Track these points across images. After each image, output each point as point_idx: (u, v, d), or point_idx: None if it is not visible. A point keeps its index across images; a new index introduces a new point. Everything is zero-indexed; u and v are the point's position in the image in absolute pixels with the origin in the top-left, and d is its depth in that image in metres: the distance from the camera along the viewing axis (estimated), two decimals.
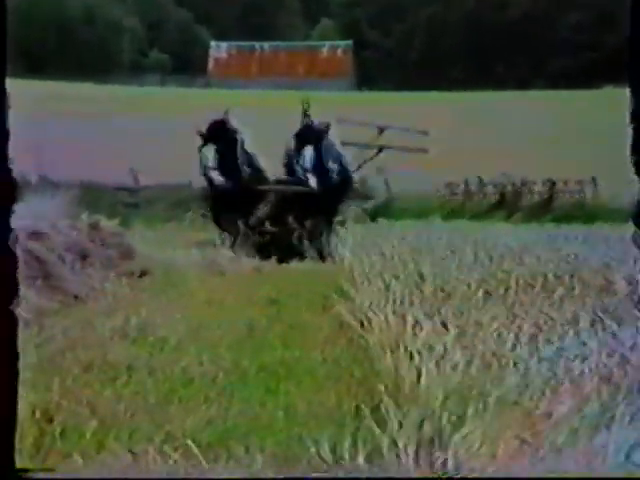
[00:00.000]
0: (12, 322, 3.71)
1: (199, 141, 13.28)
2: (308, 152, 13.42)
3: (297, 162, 13.52)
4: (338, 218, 13.80)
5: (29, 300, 7.16)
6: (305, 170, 13.40)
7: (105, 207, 14.51)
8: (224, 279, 10.12)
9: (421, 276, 7.52)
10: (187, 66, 44.19)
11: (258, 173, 13.64)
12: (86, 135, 22.88)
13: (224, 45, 45.37)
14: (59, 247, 8.88)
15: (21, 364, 3.71)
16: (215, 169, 13.09)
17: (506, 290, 6.91)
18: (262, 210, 13.45)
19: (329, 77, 42.47)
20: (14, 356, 3.70)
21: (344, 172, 14.02)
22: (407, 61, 45.16)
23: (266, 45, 44.92)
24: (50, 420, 4.37)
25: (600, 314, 5.91)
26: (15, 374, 3.69)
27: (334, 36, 46.71)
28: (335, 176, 13.68)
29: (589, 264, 8.23)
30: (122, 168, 18.85)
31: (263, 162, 13.75)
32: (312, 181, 13.32)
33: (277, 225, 13.36)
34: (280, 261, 12.22)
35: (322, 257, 12.78)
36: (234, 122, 13.58)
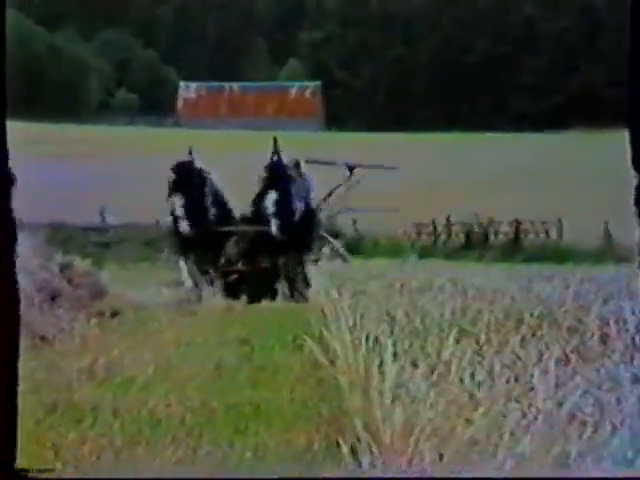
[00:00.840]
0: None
1: (167, 188, 13.25)
2: (271, 197, 13.33)
3: (262, 205, 13.46)
4: (311, 256, 13.80)
5: None
6: (268, 215, 13.33)
7: (77, 247, 14.49)
8: (195, 319, 10.05)
9: (392, 315, 7.51)
10: (155, 106, 44.25)
11: (225, 211, 13.60)
12: (55, 175, 22.76)
13: (193, 85, 45.55)
14: (29, 288, 8.78)
15: None
16: (183, 218, 13.09)
17: (477, 329, 6.91)
18: (230, 250, 13.37)
19: (298, 117, 42.73)
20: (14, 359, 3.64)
21: (309, 207, 13.93)
22: (375, 101, 45.59)
23: (235, 85, 45.16)
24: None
25: (570, 354, 5.93)
26: (15, 376, 3.64)
27: (302, 76, 47.08)
28: (299, 215, 13.58)
29: (559, 304, 8.27)
30: (91, 208, 18.77)
31: (230, 199, 13.71)
32: (274, 227, 13.23)
33: (246, 264, 13.28)
34: (251, 301, 12.17)
35: (293, 295, 12.74)
36: (199, 162, 13.55)
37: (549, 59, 41.90)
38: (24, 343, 7.65)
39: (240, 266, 13.31)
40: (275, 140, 13.79)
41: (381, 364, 5.40)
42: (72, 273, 10.32)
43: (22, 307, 8.24)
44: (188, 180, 13.20)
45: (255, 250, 13.25)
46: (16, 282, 3.70)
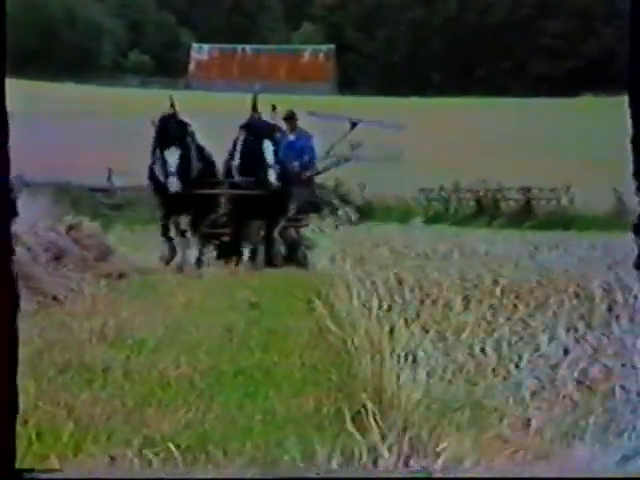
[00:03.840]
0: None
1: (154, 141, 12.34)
2: (268, 147, 12.32)
3: (256, 157, 12.38)
4: (306, 221, 13.22)
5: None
6: (267, 165, 12.26)
7: (87, 208, 14.41)
8: (203, 282, 10.10)
9: (401, 281, 7.53)
10: (168, 68, 44.09)
11: (210, 168, 12.83)
12: (65, 136, 22.77)
13: (206, 47, 45.33)
14: (36, 248, 8.83)
15: None
16: (175, 174, 12.10)
17: (485, 296, 6.94)
18: (217, 213, 12.83)
19: (311, 81, 42.52)
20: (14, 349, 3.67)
21: (305, 166, 13.20)
22: (390, 65, 45.26)
23: (248, 48, 44.92)
24: (25, 422, 4.33)
25: (577, 320, 5.95)
26: (15, 376, 3.67)
27: (316, 40, 46.76)
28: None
29: (566, 271, 8.27)
30: (101, 170, 18.78)
31: (214, 155, 12.99)
32: (272, 177, 12.23)
33: (236, 226, 12.74)
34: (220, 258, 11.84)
35: (291, 260, 12.35)
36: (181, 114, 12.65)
37: (568, 22, 41.45)
38: (36, 303, 7.73)
39: (228, 228, 12.81)
40: (254, 97, 12.91)
41: (391, 330, 5.43)
42: (79, 234, 10.35)
43: (31, 268, 8.31)
44: (178, 133, 12.35)
45: (244, 212, 12.57)
46: (11, 267, 3.69)
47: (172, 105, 12.66)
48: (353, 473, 3.69)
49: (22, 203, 10.66)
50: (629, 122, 3.84)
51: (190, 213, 12.40)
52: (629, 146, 3.84)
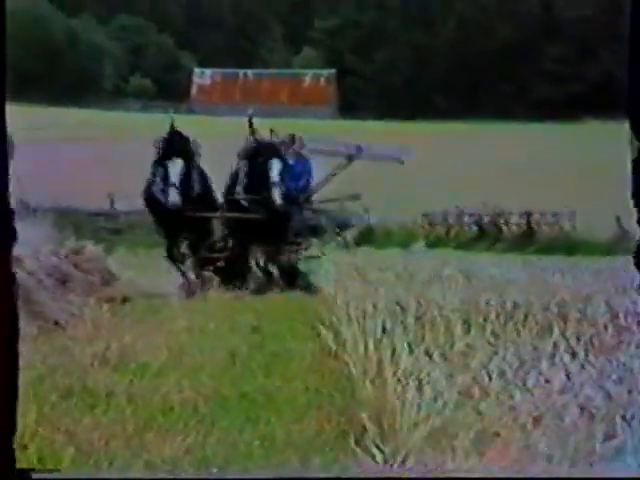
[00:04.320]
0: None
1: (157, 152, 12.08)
2: (276, 166, 12.20)
3: (261, 177, 12.21)
4: (303, 245, 13.05)
5: None
6: (273, 185, 12.07)
7: (88, 233, 14.37)
8: (205, 305, 10.08)
9: (402, 305, 7.52)
10: (170, 92, 44.26)
11: (208, 190, 12.57)
12: (67, 161, 22.82)
13: (208, 72, 45.55)
14: (39, 272, 8.82)
15: None
16: (176, 186, 11.75)
17: (488, 320, 6.92)
18: (214, 237, 12.56)
19: (312, 105, 42.68)
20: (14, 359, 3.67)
21: (294, 197, 12.91)
22: (391, 89, 45.44)
23: (250, 72, 45.15)
24: (25, 447, 4.31)
25: (580, 345, 5.93)
26: (15, 376, 3.67)
27: (317, 64, 46.99)
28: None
29: (570, 295, 8.26)
30: (102, 194, 18.82)
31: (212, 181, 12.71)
32: (276, 195, 12.04)
33: (232, 250, 12.53)
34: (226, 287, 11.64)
35: (267, 282, 12.13)
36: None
37: (570, 47, 41.64)
38: (37, 328, 7.71)
39: (224, 253, 12.56)
40: (250, 120, 12.73)
41: (393, 354, 5.41)
42: (81, 258, 10.34)
43: (34, 292, 8.31)
44: (182, 146, 12.07)
45: (241, 236, 12.44)
46: (14, 279, 3.70)
47: (172, 127, 12.49)
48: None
49: (25, 228, 10.69)
50: (629, 147, 3.87)
51: (188, 237, 12.21)
52: (629, 170, 3.86)
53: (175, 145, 12.11)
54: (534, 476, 3.62)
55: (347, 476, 3.72)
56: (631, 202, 3.98)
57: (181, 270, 12.21)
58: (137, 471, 4.07)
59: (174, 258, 12.24)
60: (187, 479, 3.78)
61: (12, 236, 3.68)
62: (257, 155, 12.54)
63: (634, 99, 3.85)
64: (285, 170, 12.41)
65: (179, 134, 12.38)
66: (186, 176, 12.04)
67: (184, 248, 12.24)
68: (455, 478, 3.60)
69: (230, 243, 12.71)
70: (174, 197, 11.77)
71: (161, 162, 12.08)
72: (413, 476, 3.66)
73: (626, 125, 3.89)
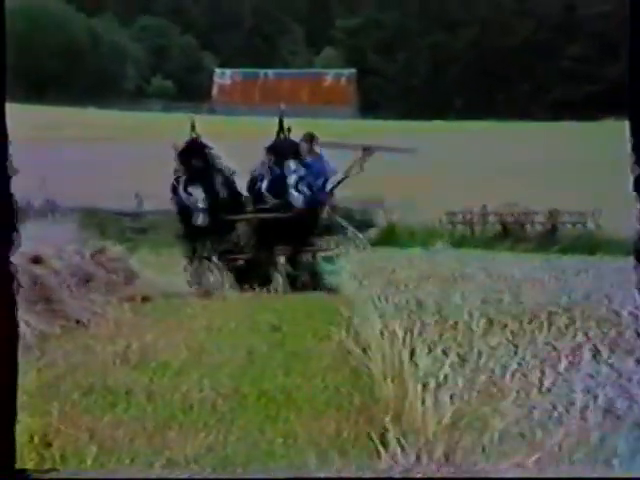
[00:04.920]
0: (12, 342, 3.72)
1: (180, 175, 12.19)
2: (292, 166, 12.34)
3: (280, 178, 12.31)
4: (323, 247, 12.95)
5: (31, 324, 7.16)
6: (289, 186, 12.24)
7: (113, 232, 14.45)
8: (226, 305, 10.12)
9: (424, 304, 7.50)
10: (191, 93, 44.45)
11: (234, 193, 12.62)
12: (91, 160, 22.96)
13: (228, 72, 45.70)
14: (62, 271, 8.89)
15: (21, 388, 3.71)
16: (201, 210, 12.05)
17: (509, 319, 6.89)
18: (238, 237, 12.64)
19: (333, 104, 42.70)
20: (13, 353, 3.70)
21: (315, 196, 12.81)
22: (411, 89, 45.39)
23: (270, 72, 45.24)
24: (49, 445, 4.35)
25: (603, 346, 5.89)
26: (15, 375, 3.69)
27: (338, 63, 47.00)
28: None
29: (593, 295, 8.21)
30: (125, 194, 18.91)
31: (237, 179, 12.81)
32: (295, 199, 12.23)
33: (254, 251, 12.57)
34: (254, 288, 11.63)
35: (293, 284, 12.12)
36: (203, 139, 12.60)
37: (589, 46, 41.40)
38: (60, 327, 7.76)
39: (244, 254, 12.58)
40: (281, 119, 12.85)
41: (413, 353, 5.41)
42: (105, 257, 10.42)
43: (57, 291, 8.36)
44: (202, 164, 12.22)
45: (258, 236, 12.50)
46: (13, 277, 3.72)
47: (193, 128, 12.61)
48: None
49: (49, 227, 10.79)
50: None
51: (212, 238, 12.34)
52: None
53: (195, 167, 12.16)
54: (555, 476, 3.61)
55: (366, 476, 3.73)
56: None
57: (199, 270, 12.24)
58: (159, 468, 4.09)
59: (194, 258, 12.35)
60: (187, 479, 3.79)
61: (12, 237, 3.69)
62: (276, 155, 12.61)
63: (635, 99, 3.83)
64: (302, 170, 12.46)
65: (196, 147, 12.36)
66: (211, 193, 12.21)
67: (206, 249, 12.34)
68: (455, 478, 3.60)
69: (251, 243, 12.75)
70: (202, 220, 12.12)
71: (185, 188, 12.22)
72: (435, 476, 3.65)
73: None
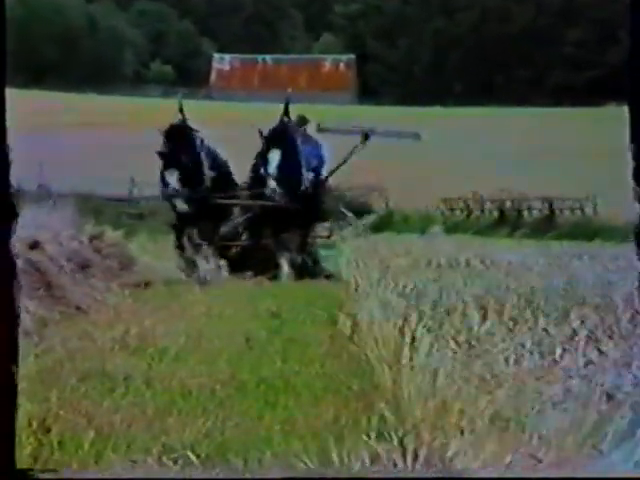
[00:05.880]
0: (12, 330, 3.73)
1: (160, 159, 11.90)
2: (275, 156, 11.95)
3: (263, 168, 12.03)
4: (321, 231, 12.86)
5: (30, 310, 7.18)
6: (268, 175, 11.90)
7: (109, 218, 14.44)
8: (225, 291, 10.14)
9: (421, 290, 7.53)
10: (190, 78, 44.33)
11: (225, 175, 12.37)
12: (87, 146, 22.93)
13: (227, 57, 45.56)
14: (60, 257, 8.90)
15: (20, 374, 3.73)
16: (180, 196, 11.74)
17: (506, 306, 6.91)
18: (232, 223, 12.40)
19: (331, 90, 42.60)
20: (14, 352, 3.71)
21: (319, 176, 12.60)
22: (411, 75, 45.28)
23: (268, 58, 45.11)
24: (48, 430, 4.37)
25: (599, 331, 5.92)
26: (14, 375, 3.71)
27: (336, 49, 46.86)
28: (308, 184, 12.28)
29: (589, 281, 8.24)
30: (123, 180, 18.91)
31: (229, 160, 12.56)
32: (272, 186, 11.82)
33: (248, 238, 12.36)
34: (255, 275, 11.48)
35: (300, 271, 11.96)
36: (191, 122, 12.36)
37: (590, 31, 41.29)
38: (59, 313, 7.79)
39: (242, 240, 12.39)
40: (286, 103, 12.52)
41: (411, 340, 5.43)
42: (102, 243, 10.43)
43: (55, 277, 8.38)
44: (183, 149, 11.88)
45: (259, 222, 12.23)
46: (14, 271, 3.72)
47: (181, 110, 12.37)
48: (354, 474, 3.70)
49: (46, 213, 10.77)
50: None
51: (203, 225, 12.05)
52: None
53: (171, 152, 11.79)
54: (534, 476, 3.64)
55: (363, 467, 3.75)
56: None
57: (191, 259, 12.05)
58: (156, 453, 4.11)
59: (182, 247, 12.17)
60: (186, 479, 3.81)
61: (11, 225, 3.69)
62: (270, 141, 12.19)
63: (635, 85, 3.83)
64: (284, 159, 11.98)
65: (175, 132, 11.98)
66: (191, 176, 11.84)
67: (195, 237, 12.11)
68: (455, 478, 3.63)
69: (246, 229, 12.56)
70: (180, 205, 11.83)
71: (161, 173, 11.94)
72: (429, 471, 3.68)
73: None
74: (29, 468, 3.82)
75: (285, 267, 11.94)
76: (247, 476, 3.83)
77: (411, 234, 15.98)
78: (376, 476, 3.66)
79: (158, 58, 46.99)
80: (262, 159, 12.15)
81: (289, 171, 12.00)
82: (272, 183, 11.91)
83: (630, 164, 3.97)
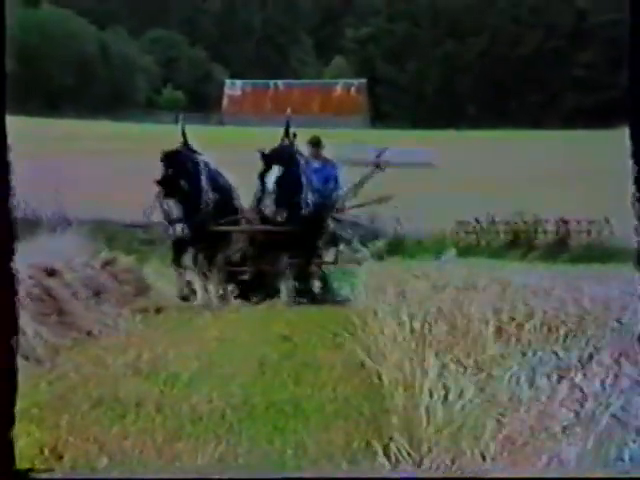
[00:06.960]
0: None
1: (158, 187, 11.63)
2: (272, 174, 11.49)
3: (261, 187, 11.64)
4: (329, 257, 12.52)
5: (42, 337, 7.19)
6: (266, 194, 11.46)
7: (122, 244, 14.46)
8: (237, 316, 10.13)
9: (435, 314, 7.49)
10: (202, 104, 44.54)
11: (226, 197, 12.08)
12: (101, 172, 23.03)
13: (239, 83, 45.77)
14: (73, 283, 8.92)
15: (32, 401, 3.73)
16: (180, 221, 11.47)
17: (519, 329, 6.87)
18: (233, 249, 12.13)
19: (343, 114, 42.72)
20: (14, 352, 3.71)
21: (323, 204, 12.23)
22: (422, 98, 45.37)
23: (280, 83, 45.30)
24: (60, 457, 4.36)
25: (615, 355, 5.87)
26: (14, 370, 3.71)
27: (348, 73, 47.03)
28: (309, 208, 11.86)
29: (604, 304, 8.18)
30: (136, 206, 18.94)
31: (233, 182, 12.30)
32: (269, 204, 11.39)
33: (251, 265, 12.08)
34: (256, 302, 11.33)
35: (301, 296, 11.74)
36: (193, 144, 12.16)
37: (601, 53, 41.31)
38: (71, 339, 7.79)
39: (246, 266, 12.10)
40: (287, 124, 12.25)
41: (424, 364, 5.40)
42: (116, 269, 10.45)
43: (68, 303, 8.38)
44: (182, 174, 11.59)
45: (258, 247, 11.96)
46: (14, 288, 3.74)
47: (183, 133, 12.25)
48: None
49: (60, 239, 10.80)
50: None
51: (203, 249, 11.84)
52: None
53: (170, 181, 11.53)
54: (534, 476, 3.60)
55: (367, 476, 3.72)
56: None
57: (187, 281, 11.81)
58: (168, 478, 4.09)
59: (180, 266, 11.89)
60: (187, 479, 3.79)
61: (13, 241, 3.71)
62: (269, 162, 11.70)
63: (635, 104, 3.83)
64: (283, 177, 11.54)
65: (174, 159, 11.70)
66: (190, 203, 11.60)
67: (197, 262, 11.87)
68: (454, 478, 3.59)
69: (252, 254, 12.16)
70: (179, 231, 11.56)
71: (163, 199, 11.72)
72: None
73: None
74: (29, 468, 3.80)
75: (284, 293, 11.68)
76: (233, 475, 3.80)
77: (425, 258, 15.92)
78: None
79: (170, 84, 47.29)
80: (260, 178, 11.79)
81: (288, 189, 11.56)
82: (269, 201, 11.50)
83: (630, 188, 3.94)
